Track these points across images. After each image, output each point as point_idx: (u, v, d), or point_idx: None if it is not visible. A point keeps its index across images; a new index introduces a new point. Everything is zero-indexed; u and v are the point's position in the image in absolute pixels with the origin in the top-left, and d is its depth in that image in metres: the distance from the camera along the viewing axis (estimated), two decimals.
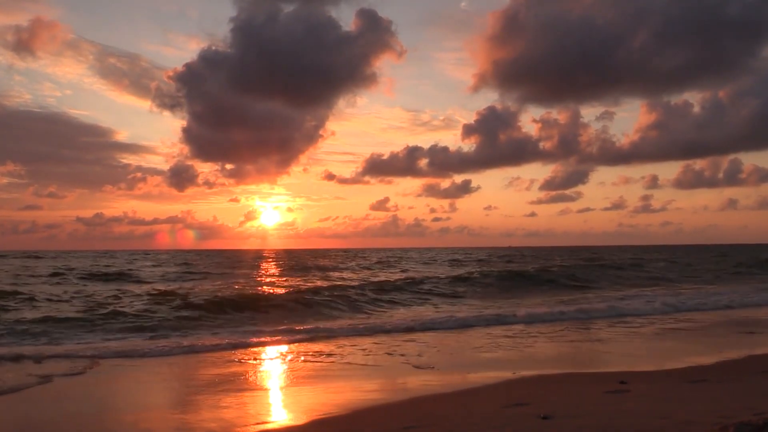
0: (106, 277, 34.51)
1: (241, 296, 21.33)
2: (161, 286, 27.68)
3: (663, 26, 64.33)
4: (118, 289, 26.09)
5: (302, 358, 11.75)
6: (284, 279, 35.20)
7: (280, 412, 7.77)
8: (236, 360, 11.61)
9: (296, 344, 13.39)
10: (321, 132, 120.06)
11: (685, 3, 66.39)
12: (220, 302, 19.54)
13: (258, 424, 7.06)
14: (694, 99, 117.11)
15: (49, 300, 21.65)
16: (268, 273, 43.16)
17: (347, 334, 14.86)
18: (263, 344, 13.43)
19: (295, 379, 9.84)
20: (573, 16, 67.15)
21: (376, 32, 75.01)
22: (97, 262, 57.23)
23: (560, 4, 73.57)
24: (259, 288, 26.97)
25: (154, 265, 51.35)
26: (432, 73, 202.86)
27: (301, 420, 7.23)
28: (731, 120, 78.23)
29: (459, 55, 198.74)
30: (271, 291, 24.70)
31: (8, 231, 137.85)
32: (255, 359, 11.73)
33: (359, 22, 75.85)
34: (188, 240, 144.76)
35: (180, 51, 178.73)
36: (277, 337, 14.19)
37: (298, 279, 34.89)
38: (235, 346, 13.01)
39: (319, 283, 30.32)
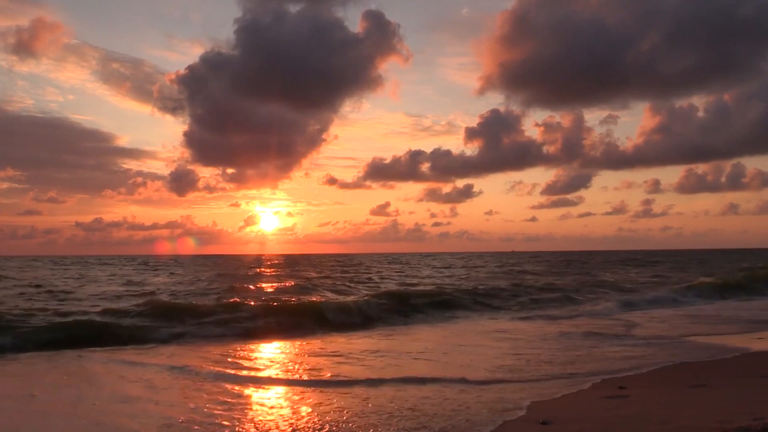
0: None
1: None
2: None
3: (671, 29, 64.41)
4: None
5: None
6: None
7: None
8: None
9: None
10: (324, 136, 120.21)
11: (693, 6, 66.40)
12: None
13: None
14: (700, 102, 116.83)
15: None
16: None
17: None
18: None
19: None
20: (580, 19, 67.23)
21: (383, 36, 74.61)
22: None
23: (567, 6, 73.65)
24: None
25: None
26: (434, 78, 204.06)
27: None
28: (736, 124, 78.15)
29: (461, 60, 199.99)
30: None
31: (7, 236, 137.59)
32: None
33: (366, 24, 75.28)
34: (187, 245, 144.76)
35: (183, 56, 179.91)
36: None
37: None
38: None
39: None
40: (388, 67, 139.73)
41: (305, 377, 9.77)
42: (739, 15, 62.10)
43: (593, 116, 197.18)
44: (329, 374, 9.90)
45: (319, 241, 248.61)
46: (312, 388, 8.84)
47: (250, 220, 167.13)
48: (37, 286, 29.15)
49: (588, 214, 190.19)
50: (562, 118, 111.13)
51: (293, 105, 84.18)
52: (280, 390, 8.88)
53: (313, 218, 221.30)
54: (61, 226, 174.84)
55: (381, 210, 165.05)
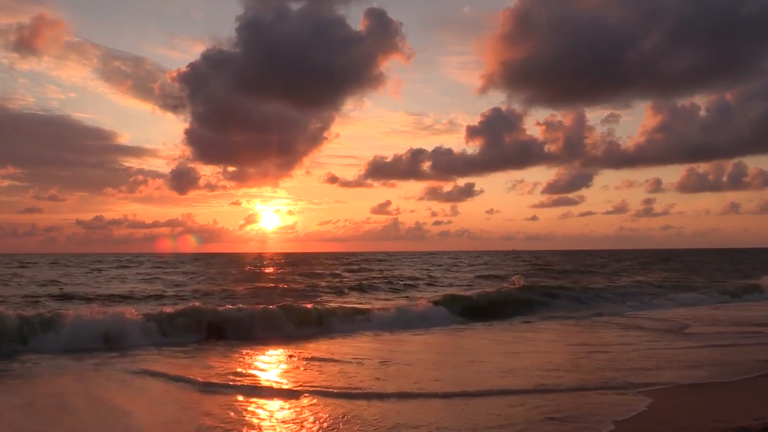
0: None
1: None
2: None
3: (673, 28, 64.19)
4: None
5: None
6: None
7: None
8: None
9: None
10: (325, 134, 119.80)
11: (695, 4, 66.11)
12: None
13: None
14: (702, 101, 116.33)
15: None
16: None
17: None
18: None
19: None
20: (582, 18, 66.99)
21: (385, 34, 73.95)
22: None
23: (569, 5, 73.42)
24: None
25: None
26: (435, 77, 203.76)
27: None
28: (738, 123, 77.76)
29: (462, 59, 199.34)
30: None
31: (7, 234, 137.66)
32: None
33: (368, 22, 74.62)
34: (187, 243, 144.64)
35: (184, 54, 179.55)
36: None
37: None
38: None
39: None
40: (389, 65, 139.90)
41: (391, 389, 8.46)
42: (742, 14, 61.95)
43: (595, 115, 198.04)
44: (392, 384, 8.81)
45: (320, 240, 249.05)
46: (409, 401, 7.89)
47: (250, 219, 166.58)
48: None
49: (589, 213, 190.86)
50: (563, 116, 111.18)
51: (294, 103, 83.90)
52: (361, 401, 7.84)
53: (314, 217, 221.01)
54: (61, 224, 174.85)
55: (382, 208, 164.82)
